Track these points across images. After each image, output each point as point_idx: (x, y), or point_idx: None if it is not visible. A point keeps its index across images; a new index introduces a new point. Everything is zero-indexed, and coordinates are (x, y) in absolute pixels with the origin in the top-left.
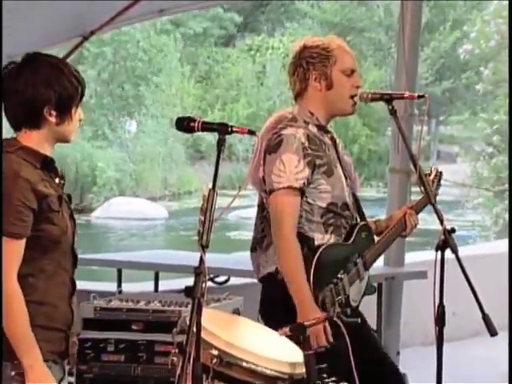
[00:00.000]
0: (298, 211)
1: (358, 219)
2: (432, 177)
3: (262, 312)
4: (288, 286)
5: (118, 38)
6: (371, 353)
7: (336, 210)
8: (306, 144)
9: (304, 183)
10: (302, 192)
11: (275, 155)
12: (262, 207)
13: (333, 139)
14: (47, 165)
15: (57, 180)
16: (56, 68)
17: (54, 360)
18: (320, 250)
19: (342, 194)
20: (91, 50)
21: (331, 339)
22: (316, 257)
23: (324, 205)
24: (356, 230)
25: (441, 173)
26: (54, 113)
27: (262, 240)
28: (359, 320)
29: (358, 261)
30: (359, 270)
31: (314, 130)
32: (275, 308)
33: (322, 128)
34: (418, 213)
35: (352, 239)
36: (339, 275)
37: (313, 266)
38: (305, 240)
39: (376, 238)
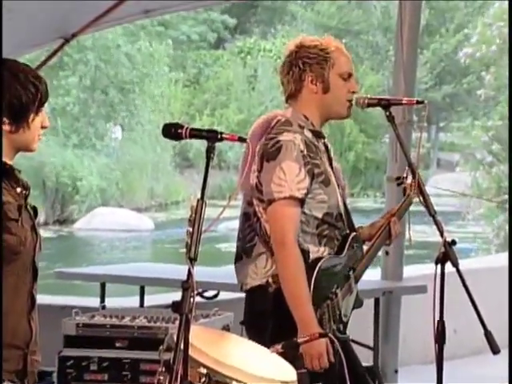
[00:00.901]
0: (299, 222)
1: (348, 230)
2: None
3: (247, 324)
4: (288, 300)
5: (100, 40)
6: (357, 369)
7: (331, 220)
8: (305, 151)
9: (305, 193)
10: (302, 203)
11: (274, 163)
12: (252, 215)
13: (325, 145)
14: (6, 173)
15: (18, 189)
16: (8, 73)
17: (10, 380)
18: (319, 264)
19: (336, 204)
20: (72, 55)
21: (332, 359)
22: (315, 271)
23: (320, 215)
24: (348, 242)
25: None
26: (6, 120)
27: (250, 249)
28: (350, 336)
29: (350, 274)
30: (351, 283)
31: (309, 135)
32: (264, 322)
33: (316, 133)
34: (400, 218)
35: (345, 252)
36: (334, 290)
37: (312, 282)
38: (301, 253)
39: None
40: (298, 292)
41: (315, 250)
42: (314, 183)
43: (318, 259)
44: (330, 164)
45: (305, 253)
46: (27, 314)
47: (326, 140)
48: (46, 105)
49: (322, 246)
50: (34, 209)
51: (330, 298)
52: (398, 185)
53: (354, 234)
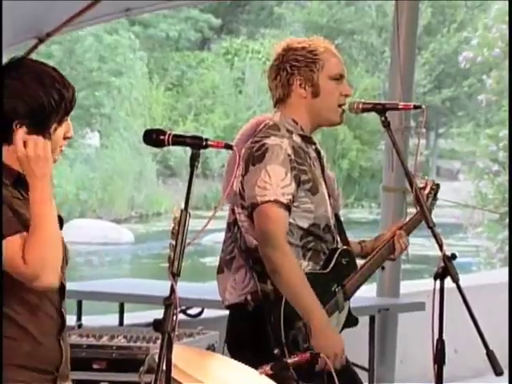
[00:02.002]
0: (287, 228)
1: (340, 243)
2: (427, 191)
3: (228, 344)
4: (294, 305)
5: (73, 38)
6: None
7: (318, 232)
8: (292, 156)
9: (291, 199)
10: (289, 209)
11: (259, 166)
12: (232, 225)
13: (317, 151)
14: (20, 182)
15: None
16: (33, 76)
17: None
18: None
19: (325, 214)
20: (42, 54)
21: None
22: None
23: (305, 226)
24: (336, 257)
25: (437, 185)
26: (25, 129)
27: (230, 262)
28: None
29: (336, 290)
30: (338, 300)
31: (298, 140)
32: (243, 344)
33: (306, 139)
34: (409, 233)
35: (331, 267)
36: None
37: (284, 299)
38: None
39: (360, 263)
40: (302, 295)
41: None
42: (299, 190)
43: None
44: (323, 172)
45: None
46: (56, 335)
47: (317, 146)
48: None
49: (305, 259)
50: (59, 218)
51: None
52: None
53: (343, 248)
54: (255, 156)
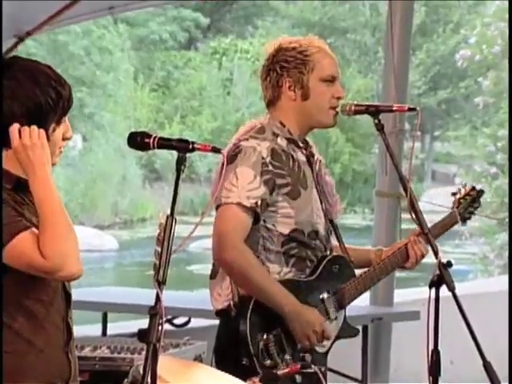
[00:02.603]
0: (247, 231)
1: (333, 250)
2: (461, 194)
3: (215, 353)
4: (261, 300)
5: (56, 37)
6: None
7: (302, 238)
8: (268, 159)
9: (256, 203)
10: (255, 214)
11: (230, 167)
12: None
13: (310, 155)
14: (21, 187)
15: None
16: (26, 75)
17: None
18: None
19: (310, 219)
20: (24, 54)
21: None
22: None
23: (286, 232)
24: (323, 264)
25: (478, 191)
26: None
27: (218, 267)
28: (322, 369)
29: (324, 298)
30: (327, 308)
31: (283, 143)
32: (226, 353)
33: (293, 142)
34: (435, 238)
35: (317, 274)
36: None
37: (251, 305)
38: None
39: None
40: (262, 285)
41: (276, 270)
42: (275, 195)
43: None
44: (317, 176)
45: None
46: (64, 346)
47: (311, 149)
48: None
49: (288, 266)
50: None
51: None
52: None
53: (335, 255)
54: (229, 157)
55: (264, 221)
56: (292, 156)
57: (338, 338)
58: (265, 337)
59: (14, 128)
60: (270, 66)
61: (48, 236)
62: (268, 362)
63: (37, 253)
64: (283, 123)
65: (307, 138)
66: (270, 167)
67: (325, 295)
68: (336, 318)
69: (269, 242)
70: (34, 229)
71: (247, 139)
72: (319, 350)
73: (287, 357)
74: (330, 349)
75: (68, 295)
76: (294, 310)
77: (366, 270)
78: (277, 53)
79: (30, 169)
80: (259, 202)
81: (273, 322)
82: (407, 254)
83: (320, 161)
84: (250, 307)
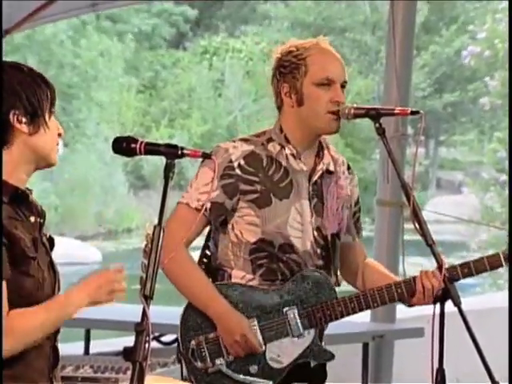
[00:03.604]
0: (194, 232)
1: (316, 266)
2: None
3: None
4: (188, 299)
5: (38, 37)
6: None
7: (270, 250)
8: (237, 163)
9: (203, 205)
10: (205, 216)
11: (199, 166)
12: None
13: (313, 164)
14: (18, 199)
15: (32, 218)
16: (15, 70)
17: None
18: (222, 288)
19: (281, 231)
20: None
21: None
22: None
23: (252, 240)
24: (294, 278)
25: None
26: (23, 119)
27: None
28: None
29: (288, 312)
30: (290, 322)
31: (274, 149)
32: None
33: (286, 149)
34: (457, 279)
35: (284, 286)
36: None
37: (185, 304)
38: (217, 273)
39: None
40: (193, 281)
41: (239, 275)
42: (238, 200)
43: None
44: (312, 187)
45: (223, 274)
46: (48, 373)
47: (319, 159)
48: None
49: (255, 274)
50: (51, 240)
51: None
52: None
53: (311, 269)
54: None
55: (232, 226)
56: (279, 163)
57: (303, 358)
58: (200, 338)
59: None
60: (273, 70)
61: (20, 324)
62: (198, 363)
63: (5, 305)
64: (282, 129)
65: (329, 146)
66: (238, 171)
67: (291, 310)
68: (301, 337)
69: (237, 247)
70: (4, 284)
71: (234, 141)
72: (273, 365)
73: (219, 361)
74: (293, 369)
75: None
76: (216, 313)
77: (355, 294)
78: (280, 57)
79: (81, 301)
80: (208, 205)
81: (211, 324)
82: (414, 285)
83: (332, 172)
84: (184, 307)
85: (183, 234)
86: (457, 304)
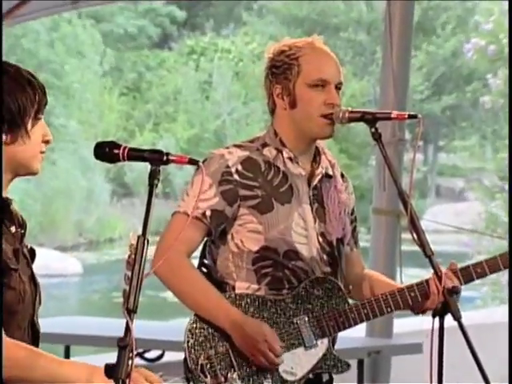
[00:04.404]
0: (196, 242)
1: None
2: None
3: None
4: (197, 312)
5: (13, 35)
6: None
7: (275, 257)
8: (234, 169)
9: (204, 214)
10: (206, 224)
11: (194, 174)
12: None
13: (311, 168)
14: (2, 210)
15: (13, 229)
16: (3, 72)
17: None
18: (227, 296)
19: (284, 237)
20: None
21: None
22: None
23: (254, 249)
24: (303, 285)
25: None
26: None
27: None
28: None
29: (299, 322)
30: (302, 334)
31: (270, 154)
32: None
33: (283, 152)
34: (467, 281)
35: (292, 295)
36: None
37: (192, 317)
38: (219, 286)
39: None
40: (200, 294)
41: (244, 286)
42: (238, 207)
43: (241, 295)
44: (311, 191)
45: (226, 287)
46: None
47: (317, 163)
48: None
49: (260, 284)
50: (32, 251)
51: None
52: None
53: (318, 276)
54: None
55: (232, 235)
56: (277, 167)
57: (317, 369)
58: (209, 352)
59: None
60: (265, 71)
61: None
62: (209, 380)
63: None
64: (277, 133)
65: (326, 151)
66: (236, 177)
67: (302, 319)
68: (314, 347)
69: (238, 258)
70: None
71: (228, 147)
72: (287, 377)
73: (232, 375)
74: (308, 381)
75: (35, 331)
76: (230, 322)
77: (367, 299)
78: (272, 57)
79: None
80: (208, 213)
81: (220, 336)
82: (428, 290)
83: (331, 176)
84: (191, 319)
85: (183, 246)
86: (457, 318)
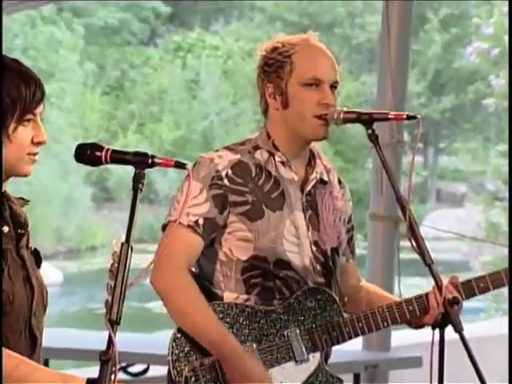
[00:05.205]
0: (194, 252)
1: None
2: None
3: None
4: (193, 335)
5: None
6: None
7: (265, 267)
8: (224, 173)
9: (196, 222)
10: (194, 231)
11: (183, 180)
12: None
13: (305, 173)
14: None
15: (5, 228)
16: None
17: None
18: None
19: (275, 246)
20: None
21: None
22: None
23: (244, 258)
24: (295, 296)
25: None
26: None
27: None
28: None
29: (291, 334)
30: (292, 345)
31: (262, 157)
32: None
33: (276, 156)
34: (469, 296)
35: (284, 305)
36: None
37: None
38: (207, 295)
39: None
40: (200, 319)
41: (232, 297)
42: (228, 214)
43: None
44: (305, 197)
45: (217, 298)
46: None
47: (311, 168)
48: (39, 114)
49: (251, 295)
50: (35, 253)
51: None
52: None
53: (311, 287)
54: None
55: (221, 244)
56: (269, 172)
57: None
58: (194, 364)
59: None
60: (257, 69)
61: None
62: None
63: None
64: (269, 135)
65: (321, 154)
66: (226, 181)
67: (293, 332)
68: (305, 361)
69: (227, 267)
70: None
71: (218, 150)
72: None
73: None
74: None
75: (34, 337)
76: (233, 353)
77: (362, 312)
78: (263, 55)
79: None
80: (200, 221)
81: (205, 348)
82: (427, 303)
83: (326, 182)
84: (173, 333)
85: (183, 257)
86: (458, 330)
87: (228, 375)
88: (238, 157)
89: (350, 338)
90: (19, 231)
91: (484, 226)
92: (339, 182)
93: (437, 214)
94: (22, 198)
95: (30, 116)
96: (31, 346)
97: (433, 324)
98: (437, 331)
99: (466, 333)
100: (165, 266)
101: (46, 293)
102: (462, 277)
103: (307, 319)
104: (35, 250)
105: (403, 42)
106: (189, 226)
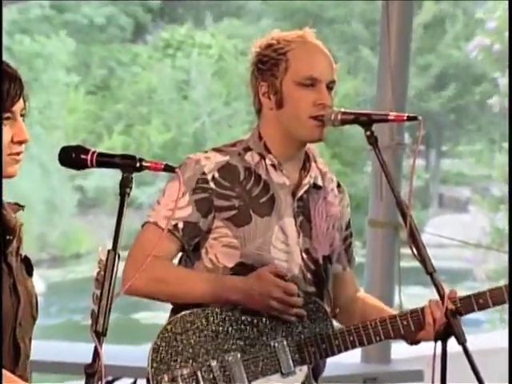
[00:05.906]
0: (167, 258)
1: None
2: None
3: None
4: (185, 300)
5: None
6: None
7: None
8: (211, 176)
9: (176, 226)
10: (178, 238)
11: (168, 181)
12: None
13: (298, 177)
14: None
15: None
16: None
17: None
18: (180, 315)
19: (261, 253)
20: None
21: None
22: (171, 322)
23: (230, 265)
24: None
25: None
26: None
27: None
28: None
29: (277, 345)
30: (278, 357)
31: (252, 160)
32: None
33: (266, 159)
34: (467, 312)
35: (273, 316)
36: (212, 354)
37: (157, 336)
38: (188, 308)
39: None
40: (178, 285)
41: (218, 305)
42: (213, 218)
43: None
44: (297, 203)
45: (202, 306)
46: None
47: (305, 172)
48: (19, 111)
49: None
50: (26, 261)
51: (200, 362)
52: None
53: (301, 296)
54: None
55: (206, 250)
56: (258, 176)
57: None
58: (174, 373)
59: None
60: (251, 67)
61: None
62: None
63: None
64: (261, 136)
65: (317, 158)
66: (211, 184)
67: (280, 343)
68: (292, 374)
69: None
70: None
71: (206, 151)
72: None
73: None
74: None
75: (17, 348)
76: (235, 289)
77: (354, 325)
78: (257, 52)
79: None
80: (180, 225)
81: (187, 355)
82: (424, 318)
83: (320, 187)
84: (155, 338)
85: (156, 260)
86: (461, 342)
87: (252, 307)
88: (226, 159)
89: (340, 351)
90: (7, 237)
91: (489, 231)
92: (338, 185)
93: (439, 219)
94: (17, 204)
95: (7, 114)
96: (14, 357)
97: (435, 336)
98: (439, 343)
99: (469, 345)
100: (135, 272)
101: (36, 302)
102: (466, 286)
103: (295, 330)
104: (25, 257)
105: (404, 42)
106: (168, 229)
